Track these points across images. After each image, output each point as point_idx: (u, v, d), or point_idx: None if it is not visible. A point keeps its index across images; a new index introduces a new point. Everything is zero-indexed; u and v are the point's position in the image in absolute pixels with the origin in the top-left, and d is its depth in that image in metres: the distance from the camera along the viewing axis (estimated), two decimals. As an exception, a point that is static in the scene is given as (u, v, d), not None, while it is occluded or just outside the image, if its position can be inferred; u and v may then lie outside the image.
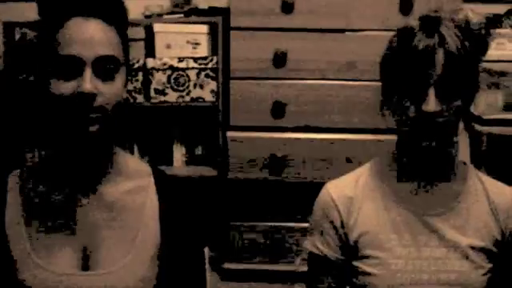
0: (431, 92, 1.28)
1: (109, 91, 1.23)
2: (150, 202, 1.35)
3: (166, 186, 1.39)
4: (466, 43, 1.30)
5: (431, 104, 1.28)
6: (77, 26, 1.22)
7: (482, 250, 1.38)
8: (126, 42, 1.30)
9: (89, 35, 1.22)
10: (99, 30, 1.23)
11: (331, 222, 1.43)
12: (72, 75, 1.21)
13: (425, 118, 1.29)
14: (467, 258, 1.37)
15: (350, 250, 1.42)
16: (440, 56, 1.28)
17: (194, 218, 1.41)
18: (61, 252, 1.27)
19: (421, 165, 1.40)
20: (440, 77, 1.28)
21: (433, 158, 1.39)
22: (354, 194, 1.43)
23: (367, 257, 1.39)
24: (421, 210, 1.40)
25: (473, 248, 1.37)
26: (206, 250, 2.73)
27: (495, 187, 1.46)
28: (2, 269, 1.26)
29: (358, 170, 1.51)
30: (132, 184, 1.35)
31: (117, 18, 1.27)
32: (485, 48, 1.36)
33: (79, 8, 1.23)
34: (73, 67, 1.21)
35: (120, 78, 1.27)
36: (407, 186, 1.42)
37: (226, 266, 3.01)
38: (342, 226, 1.42)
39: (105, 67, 1.23)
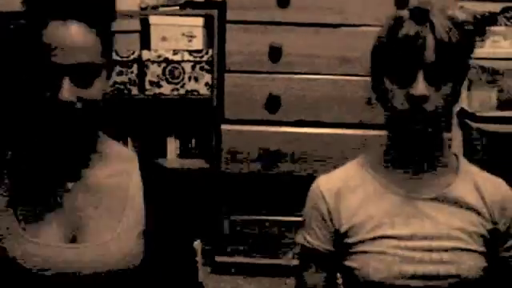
0: (420, 76, 1.30)
1: (88, 96, 1.26)
2: (134, 183, 1.38)
3: (151, 171, 1.41)
4: (455, 33, 1.32)
5: (420, 88, 1.29)
6: (56, 31, 1.24)
7: (474, 233, 1.38)
8: (107, 39, 1.32)
9: (67, 42, 1.23)
10: (78, 35, 1.24)
11: (320, 215, 1.44)
12: (51, 81, 1.23)
13: (414, 103, 1.30)
14: (460, 239, 1.36)
15: (341, 240, 1.42)
16: (430, 42, 1.30)
17: (180, 207, 1.42)
18: (49, 231, 1.30)
19: (411, 152, 1.41)
20: (429, 62, 1.30)
21: (422, 144, 1.39)
22: (342, 185, 1.44)
23: (359, 242, 1.39)
24: (413, 195, 1.40)
25: (465, 231, 1.37)
26: (198, 242, 2.73)
27: (486, 180, 1.46)
28: None
29: (347, 164, 1.52)
30: (115, 167, 1.38)
31: (97, 19, 1.28)
32: (471, 46, 1.37)
33: (58, 11, 1.24)
34: (51, 74, 1.22)
35: (99, 81, 1.29)
36: (398, 174, 1.43)
37: (218, 259, 3.01)
38: (331, 218, 1.43)
39: (83, 74, 1.25)
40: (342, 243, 1.43)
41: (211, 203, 3.01)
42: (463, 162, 1.49)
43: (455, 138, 2.88)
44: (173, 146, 3.25)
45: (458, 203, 1.41)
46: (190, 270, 1.45)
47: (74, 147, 1.33)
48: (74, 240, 1.31)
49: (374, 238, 1.38)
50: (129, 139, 3.23)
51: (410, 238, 1.37)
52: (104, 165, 1.37)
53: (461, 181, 1.43)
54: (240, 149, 2.87)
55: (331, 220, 1.43)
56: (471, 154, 2.84)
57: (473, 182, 1.44)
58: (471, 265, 1.36)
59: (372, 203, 1.41)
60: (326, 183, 1.47)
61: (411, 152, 1.41)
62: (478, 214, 1.41)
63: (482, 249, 1.39)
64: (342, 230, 1.42)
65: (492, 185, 1.45)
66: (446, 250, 1.36)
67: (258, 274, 2.96)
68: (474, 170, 1.49)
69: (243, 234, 2.97)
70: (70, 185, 1.34)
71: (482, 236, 1.40)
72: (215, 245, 3.03)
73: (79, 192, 1.34)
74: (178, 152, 3.25)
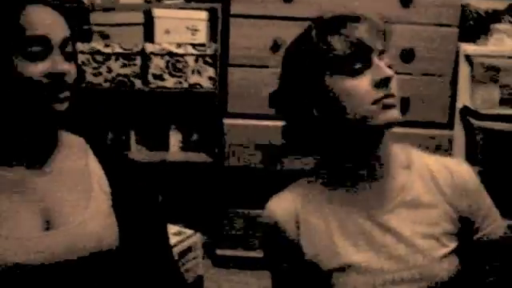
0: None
1: (73, 71, 1.32)
2: (92, 162, 1.42)
3: (103, 150, 1.46)
4: None
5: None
6: (37, 12, 1.28)
7: (441, 235, 1.33)
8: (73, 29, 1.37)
9: (52, 19, 1.30)
10: (56, 16, 1.31)
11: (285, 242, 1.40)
12: (40, 57, 1.27)
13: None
14: (424, 251, 1.31)
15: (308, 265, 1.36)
16: None
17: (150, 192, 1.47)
18: (24, 222, 1.31)
19: (350, 167, 1.36)
20: None
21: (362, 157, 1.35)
22: (299, 210, 1.40)
23: (328, 272, 1.33)
24: (369, 210, 1.34)
25: (426, 236, 1.33)
26: (199, 235, 2.74)
27: (438, 165, 1.40)
28: None
29: (292, 188, 1.49)
30: (71, 151, 1.42)
31: (65, 10, 1.34)
32: None
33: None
34: (41, 48, 1.27)
35: (75, 58, 1.35)
36: (345, 191, 1.37)
37: (219, 252, 3.02)
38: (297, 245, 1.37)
39: (67, 48, 1.31)
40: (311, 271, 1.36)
41: (212, 197, 3.02)
42: (416, 154, 1.42)
43: (457, 135, 2.88)
44: (175, 139, 3.25)
45: (416, 206, 1.36)
46: (163, 255, 1.49)
47: (46, 134, 1.36)
48: (48, 226, 1.33)
49: (344, 271, 1.32)
50: (131, 132, 3.24)
51: (379, 261, 1.32)
52: (63, 150, 1.40)
53: (414, 179, 1.38)
54: (242, 143, 2.87)
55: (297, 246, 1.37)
56: (472, 151, 2.85)
57: (427, 174, 1.38)
58: (444, 274, 1.32)
59: (332, 229, 1.35)
60: (281, 210, 1.43)
61: (349, 165, 1.37)
62: (438, 208, 1.36)
63: (454, 245, 1.34)
64: (307, 257, 1.36)
65: (442, 168, 1.39)
66: (415, 267, 1.31)
67: (257, 267, 2.97)
68: (428, 158, 1.42)
69: (244, 228, 2.98)
70: (37, 172, 1.35)
71: (450, 233, 1.35)
72: (216, 238, 3.04)
73: (46, 178, 1.36)
74: (181, 145, 3.26)
